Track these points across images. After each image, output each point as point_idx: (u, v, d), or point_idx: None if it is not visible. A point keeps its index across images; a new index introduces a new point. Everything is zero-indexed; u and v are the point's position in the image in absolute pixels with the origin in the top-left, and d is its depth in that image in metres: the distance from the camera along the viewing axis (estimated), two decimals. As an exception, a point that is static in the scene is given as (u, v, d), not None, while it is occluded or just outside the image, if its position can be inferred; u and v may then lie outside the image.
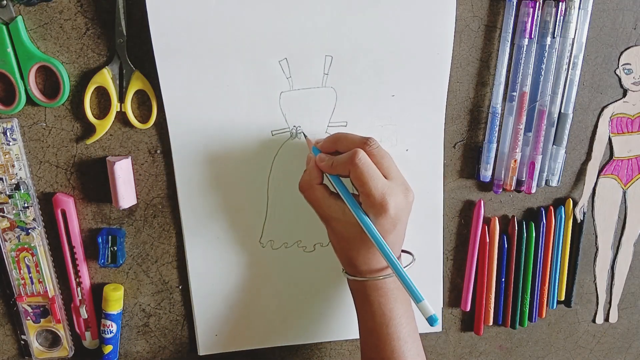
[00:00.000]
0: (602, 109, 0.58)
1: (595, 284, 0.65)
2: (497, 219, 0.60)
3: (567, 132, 0.56)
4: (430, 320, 0.43)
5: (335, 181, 0.49)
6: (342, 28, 0.51)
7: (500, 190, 0.58)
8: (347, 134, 0.50)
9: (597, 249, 0.63)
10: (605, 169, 0.60)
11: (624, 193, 0.61)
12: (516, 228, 0.60)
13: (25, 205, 0.53)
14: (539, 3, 0.52)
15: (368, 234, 0.46)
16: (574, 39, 0.53)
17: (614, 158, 0.60)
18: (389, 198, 0.46)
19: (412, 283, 0.45)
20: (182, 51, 0.49)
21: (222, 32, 0.49)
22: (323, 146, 0.50)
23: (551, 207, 0.60)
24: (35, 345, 0.59)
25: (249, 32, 0.50)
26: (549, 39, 0.53)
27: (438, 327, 0.63)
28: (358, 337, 0.63)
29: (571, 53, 0.54)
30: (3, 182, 0.52)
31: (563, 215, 0.60)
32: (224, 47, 0.50)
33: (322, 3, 0.49)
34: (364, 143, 0.47)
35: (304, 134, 0.53)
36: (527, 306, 0.62)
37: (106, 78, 0.50)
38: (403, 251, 0.53)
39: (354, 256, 0.49)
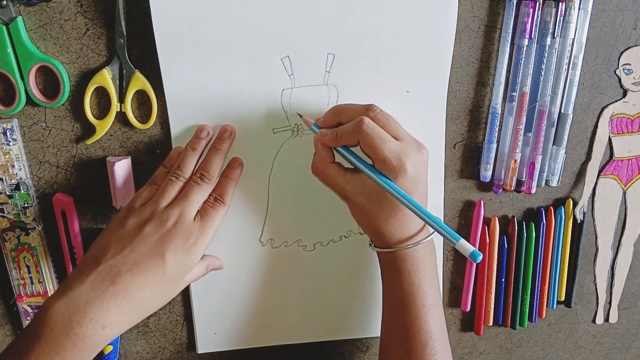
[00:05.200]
0: (602, 109, 0.58)
1: (595, 284, 0.65)
2: (497, 219, 0.60)
3: (567, 132, 0.56)
4: (473, 257, 0.44)
5: (347, 152, 0.48)
6: (344, 27, 0.51)
7: (500, 190, 0.58)
8: (347, 104, 0.50)
9: (597, 249, 0.63)
10: (605, 169, 0.60)
11: (624, 193, 0.61)
12: (516, 228, 0.60)
13: (25, 205, 0.53)
14: (539, 3, 0.52)
15: (394, 194, 0.46)
16: (574, 39, 0.53)
17: (614, 158, 0.60)
18: (405, 158, 0.45)
19: (447, 227, 0.46)
20: (184, 49, 0.49)
21: (225, 30, 0.49)
22: (324, 121, 0.50)
23: (551, 208, 0.60)
24: (35, 345, 0.59)
25: (251, 29, 0.50)
26: (549, 39, 0.53)
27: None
28: (358, 336, 0.63)
29: (571, 53, 0.54)
30: (3, 182, 0.52)
31: (563, 216, 0.60)
32: (226, 45, 0.50)
33: (324, 1, 0.50)
34: (367, 109, 0.47)
35: (298, 114, 0.52)
36: (527, 306, 0.62)
37: (106, 78, 0.50)
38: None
39: (382, 227, 0.49)
